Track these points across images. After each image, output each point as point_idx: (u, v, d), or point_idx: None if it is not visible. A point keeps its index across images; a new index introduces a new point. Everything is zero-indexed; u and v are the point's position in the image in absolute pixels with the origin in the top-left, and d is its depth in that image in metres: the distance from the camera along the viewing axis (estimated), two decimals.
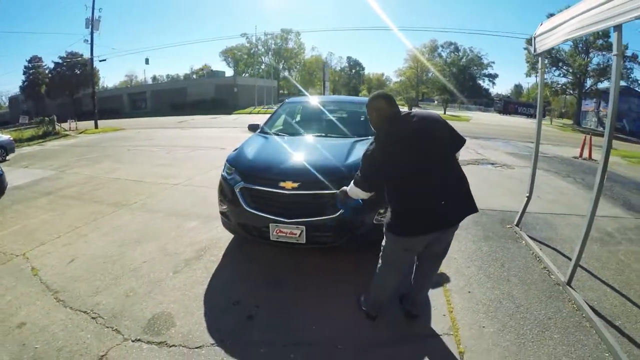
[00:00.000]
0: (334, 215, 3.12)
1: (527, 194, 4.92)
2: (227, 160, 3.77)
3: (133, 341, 2.53)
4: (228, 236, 4.21)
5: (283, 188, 3.14)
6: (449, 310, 2.97)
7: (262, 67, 59.18)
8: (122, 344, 2.50)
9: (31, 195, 6.30)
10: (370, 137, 4.21)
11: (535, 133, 4.88)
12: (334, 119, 4.97)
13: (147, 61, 44.24)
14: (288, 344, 2.51)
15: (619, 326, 2.81)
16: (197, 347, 2.46)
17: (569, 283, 3.35)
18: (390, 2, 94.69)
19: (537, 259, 3.99)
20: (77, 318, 2.84)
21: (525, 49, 40.33)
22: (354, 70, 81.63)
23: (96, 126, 19.33)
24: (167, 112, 34.50)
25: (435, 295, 3.12)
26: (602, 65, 34.48)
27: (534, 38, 4.38)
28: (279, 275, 3.43)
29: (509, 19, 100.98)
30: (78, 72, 42.17)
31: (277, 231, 3.15)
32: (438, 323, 2.79)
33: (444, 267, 3.58)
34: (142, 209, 5.40)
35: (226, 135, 15.87)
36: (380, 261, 2.62)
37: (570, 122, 40.95)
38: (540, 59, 4.70)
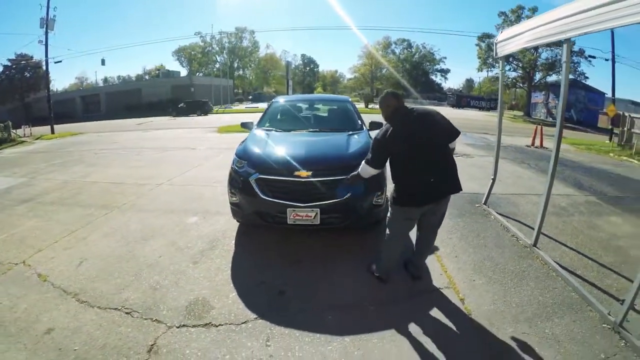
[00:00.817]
0: (342, 198, 3.58)
1: (492, 177, 5.62)
2: (236, 155, 4.11)
3: (178, 327, 2.70)
4: (234, 227, 4.50)
5: (298, 177, 3.56)
6: (444, 270, 3.57)
7: (217, 66, 58.17)
8: (168, 332, 2.64)
9: (7, 204, 6.00)
10: (357, 131, 4.74)
11: (492, 125, 5.61)
12: (322, 115, 5.41)
13: (103, 62, 42.31)
14: (322, 309, 2.91)
15: (579, 274, 3.52)
16: (242, 323, 2.75)
17: (534, 245, 4.03)
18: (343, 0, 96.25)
19: (505, 229, 4.68)
20: (109, 316, 2.85)
21: (477, 45, 42.95)
22: (308, 68, 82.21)
23: (52, 131, 18.23)
24: (122, 114, 32.96)
25: (430, 261, 3.68)
26: (550, 60, 37.23)
27: (496, 44, 5.05)
28: (295, 256, 3.81)
29: (460, 15, 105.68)
30: (28, 75, 38.99)
31: (294, 215, 3.54)
32: (438, 280, 3.38)
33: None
34: (134, 209, 5.44)
35: (190, 135, 15.74)
36: (387, 231, 3.18)
37: (520, 113, 43.93)
38: (501, 61, 5.39)
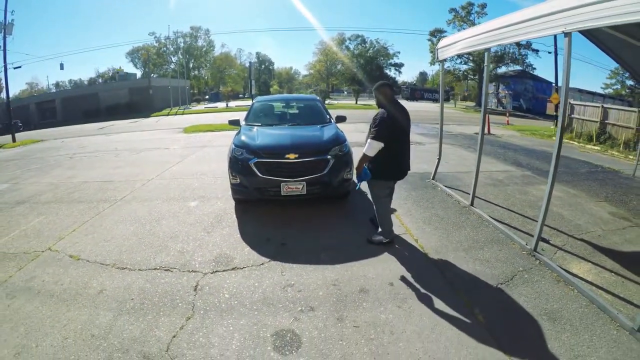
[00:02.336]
0: (321, 174, 4.71)
1: (438, 157, 6.87)
2: (235, 145, 5.06)
3: (212, 273, 3.59)
4: (231, 207, 5.43)
5: (288, 158, 4.61)
6: (401, 223, 4.77)
7: (172, 66, 57.11)
8: (205, 277, 3.50)
9: (2, 207, 6.07)
10: (327, 124, 5.84)
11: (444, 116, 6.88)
12: (297, 112, 6.49)
13: (61, 66, 41.01)
14: (316, 251, 3.97)
15: (506, 223, 4.80)
16: (260, 264, 3.73)
17: (471, 204, 5.26)
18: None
19: (449, 196, 5.95)
20: (152, 274, 3.53)
21: (429, 40, 45.11)
22: (263, 66, 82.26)
23: (14, 139, 17.73)
24: (80, 120, 31.90)
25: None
26: (499, 53, 39.65)
27: (437, 50, 6.27)
28: (286, 221, 4.87)
29: (412, 10, 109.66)
30: None
31: (286, 188, 4.59)
32: (397, 230, 4.53)
33: (393, 204, 5.26)
34: (136, 200, 6.04)
35: (158, 137, 16.02)
36: (375, 202, 4.01)
37: (472, 104, 46.91)
38: (440, 64, 6.63)
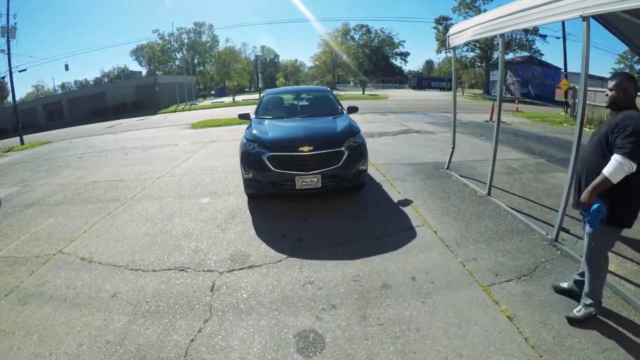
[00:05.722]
0: (336, 166, 4.62)
1: (452, 146, 6.71)
2: (246, 139, 4.95)
3: (228, 272, 3.50)
4: (244, 202, 5.34)
5: (302, 151, 4.52)
6: (419, 215, 4.65)
7: (177, 62, 57.22)
8: (221, 276, 3.42)
9: (13, 210, 5.93)
10: (339, 115, 5.68)
11: (450, 105, 6.72)
12: (308, 104, 6.36)
13: (66, 67, 40.58)
14: (334, 245, 3.88)
15: (525, 212, 4.65)
16: (278, 261, 3.65)
17: (488, 194, 5.12)
18: None
19: (465, 185, 5.81)
20: (166, 275, 3.43)
21: (434, 28, 44.52)
22: (268, 59, 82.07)
23: (22, 142, 17.79)
24: (87, 119, 32.03)
25: (407, 209, 4.84)
26: (506, 39, 38.79)
27: (448, 37, 6.11)
28: (301, 216, 4.77)
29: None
30: None
31: (301, 181, 4.51)
32: (415, 221, 4.48)
33: (408, 195, 5.32)
34: (147, 199, 5.97)
35: (167, 133, 15.93)
36: (593, 258, 2.59)
37: (480, 91, 46.36)
38: (453, 51, 6.46)
